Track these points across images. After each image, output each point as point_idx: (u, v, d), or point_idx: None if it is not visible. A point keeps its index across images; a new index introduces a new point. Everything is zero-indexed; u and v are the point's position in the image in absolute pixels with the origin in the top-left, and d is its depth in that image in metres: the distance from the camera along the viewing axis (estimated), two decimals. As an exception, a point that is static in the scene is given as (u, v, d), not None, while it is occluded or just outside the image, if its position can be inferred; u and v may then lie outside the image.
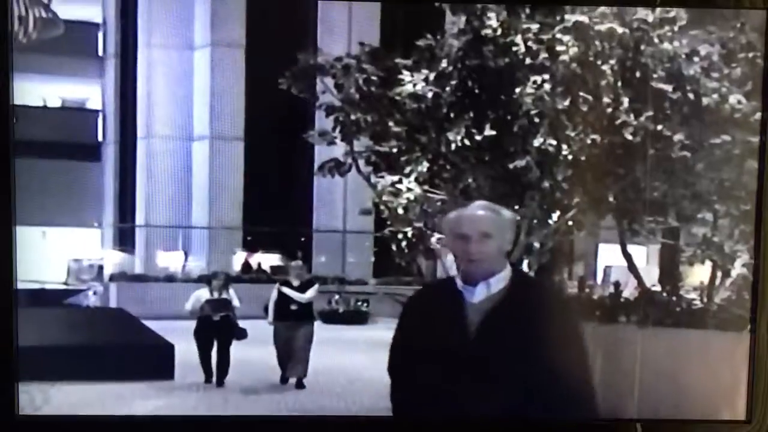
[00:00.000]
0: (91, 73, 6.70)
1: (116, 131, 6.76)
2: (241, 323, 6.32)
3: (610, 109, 5.52)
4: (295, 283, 6.36)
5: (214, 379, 6.17)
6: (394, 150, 5.93)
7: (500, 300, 3.31)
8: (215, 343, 6.24)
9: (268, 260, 6.60)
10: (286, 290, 6.36)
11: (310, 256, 6.68)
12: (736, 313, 5.59)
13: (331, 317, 6.70)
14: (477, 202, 3.42)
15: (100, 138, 6.70)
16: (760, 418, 4.59)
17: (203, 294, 6.29)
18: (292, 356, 6.29)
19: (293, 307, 6.35)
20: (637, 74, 5.55)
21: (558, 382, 3.39)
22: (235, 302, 6.31)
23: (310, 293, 6.34)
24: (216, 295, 6.30)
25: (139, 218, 6.69)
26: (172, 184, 6.77)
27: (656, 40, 5.57)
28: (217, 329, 6.25)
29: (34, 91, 6.55)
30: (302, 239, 6.74)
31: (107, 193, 6.75)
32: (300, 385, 6.14)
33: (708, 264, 5.98)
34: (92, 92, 6.74)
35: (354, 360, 6.19)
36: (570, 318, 3.75)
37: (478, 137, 5.64)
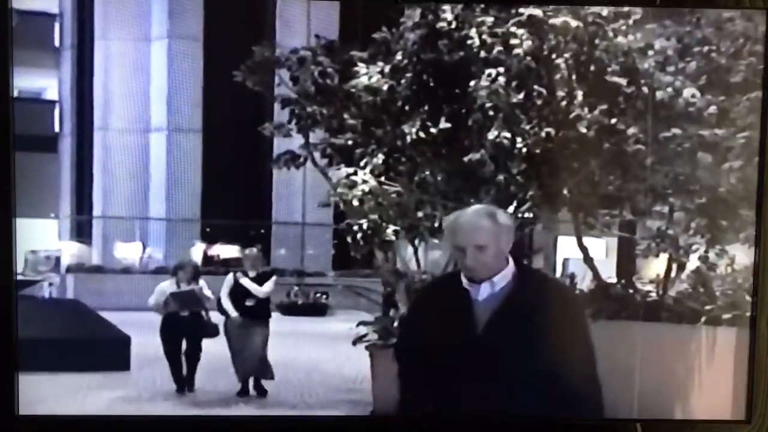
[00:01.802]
0: (48, 64, 6.69)
1: (73, 123, 6.75)
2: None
3: (564, 103, 5.60)
4: (252, 273, 6.34)
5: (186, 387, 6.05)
6: (350, 142, 6.01)
7: (505, 296, 3.61)
8: (184, 343, 6.12)
9: (226, 252, 6.56)
10: (244, 281, 6.32)
11: (269, 249, 6.70)
12: (691, 306, 5.82)
13: (290, 309, 6.74)
14: (472, 209, 3.73)
15: (56, 129, 6.70)
16: (760, 418, 4.96)
17: (168, 287, 6.17)
18: (247, 358, 6.20)
19: (249, 302, 6.30)
20: (592, 68, 5.61)
21: (565, 373, 3.65)
22: (207, 293, 6.24)
23: (268, 286, 6.32)
24: (183, 287, 6.20)
25: (96, 210, 6.69)
26: (130, 176, 6.77)
27: (611, 34, 5.62)
28: (185, 327, 6.15)
29: (-11, 82, 6.69)
30: (261, 231, 6.76)
31: (64, 184, 6.73)
32: (261, 391, 6.07)
33: (663, 257, 6.10)
34: (49, 84, 6.72)
35: (312, 353, 6.30)
36: (574, 309, 4.10)
37: (433, 130, 5.73)
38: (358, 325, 6.03)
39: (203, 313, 6.24)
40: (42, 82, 6.72)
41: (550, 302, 3.77)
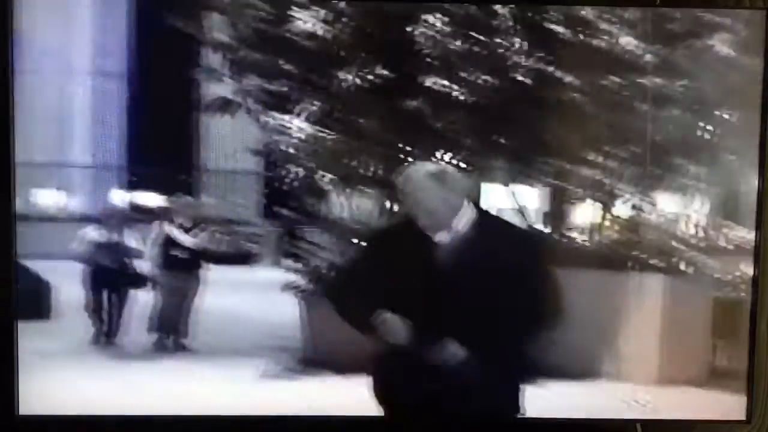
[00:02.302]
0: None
1: None
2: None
3: (501, 50, 5.62)
4: (184, 224, 6.32)
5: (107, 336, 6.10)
6: (285, 89, 5.97)
7: (465, 238, 3.65)
8: (108, 295, 6.13)
9: (154, 200, 6.51)
10: (172, 231, 6.30)
11: (198, 197, 6.67)
12: (622, 253, 6.00)
13: (219, 258, 6.60)
14: (422, 173, 3.70)
15: None
16: (760, 418, 4.81)
17: (92, 235, 6.14)
18: (173, 313, 6.22)
19: (177, 253, 6.29)
20: (530, 15, 5.59)
21: (528, 309, 3.71)
22: (133, 244, 6.17)
23: (198, 236, 6.31)
24: (108, 236, 6.14)
25: (19, 156, 6.62)
26: (53, 121, 6.64)
27: (551, -18, 5.70)
28: (109, 277, 6.11)
29: None
30: (189, 179, 6.73)
31: None
32: (181, 347, 6.14)
33: (596, 205, 6.28)
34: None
35: (242, 300, 6.39)
36: (533, 249, 4.19)
37: (370, 77, 5.70)
38: (288, 272, 6.15)
39: (129, 262, 6.20)
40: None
41: (508, 244, 3.84)
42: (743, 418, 4.75)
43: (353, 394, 5.19)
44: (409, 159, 5.42)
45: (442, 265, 3.69)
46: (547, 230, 6.26)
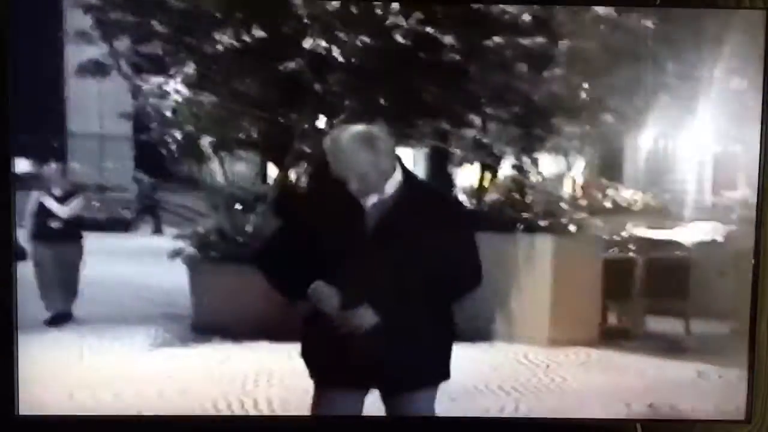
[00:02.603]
0: None
1: None
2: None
3: (380, 12, 5.58)
4: (56, 193, 6.11)
5: None
6: (159, 51, 5.88)
7: (393, 202, 3.76)
8: None
9: (22, 168, 5.99)
10: (46, 201, 6.08)
11: (66, 163, 6.44)
12: (507, 214, 6.09)
13: (94, 226, 6.38)
14: (350, 135, 3.80)
15: None
16: (760, 418, 4.91)
17: None
18: (56, 286, 6.00)
19: (55, 224, 6.10)
20: None
21: (450, 268, 3.81)
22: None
23: (74, 205, 6.11)
24: None
25: None
26: None
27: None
28: None
29: None
30: (56, 144, 6.42)
31: None
32: (65, 318, 5.94)
33: (477, 166, 6.32)
34: None
35: (121, 269, 6.22)
36: (456, 213, 4.42)
37: (247, 39, 5.63)
38: (173, 239, 6.08)
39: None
40: None
41: (434, 207, 3.97)
42: (742, 418, 4.85)
43: (246, 360, 5.53)
44: (289, 122, 5.35)
45: (370, 230, 3.78)
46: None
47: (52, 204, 6.08)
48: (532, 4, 5.65)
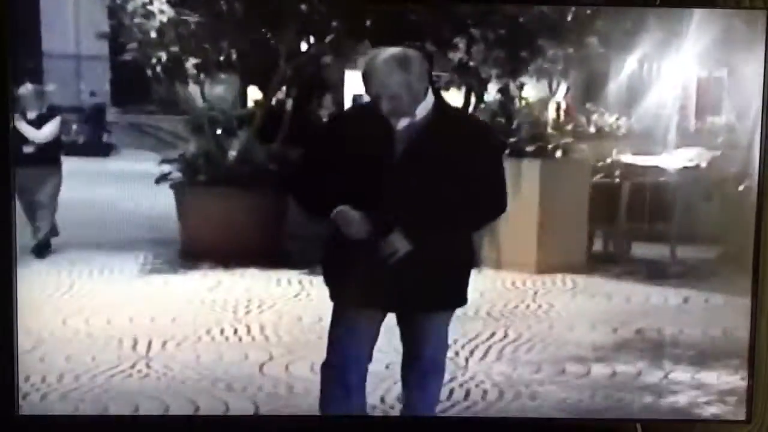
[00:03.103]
0: None
1: None
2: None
3: None
4: (30, 115, 6.03)
5: None
6: None
7: (424, 126, 3.90)
8: None
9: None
10: (18, 124, 5.90)
11: (47, 85, 6.30)
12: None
13: (72, 149, 6.43)
14: (385, 57, 3.95)
15: None
16: (760, 418, 5.00)
17: None
18: (35, 213, 5.98)
19: (28, 149, 5.98)
20: None
21: (479, 194, 4.01)
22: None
23: (49, 128, 6.05)
24: None
25: None
26: None
27: None
28: None
29: None
30: (31, 66, 6.21)
31: None
32: (46, 247, 5.92)
33: (463, 89, 6.20)
34: None
35: (102, 193, 6.14)
36: (488, 142, 4.49)
37: None
38: (161, 163, 6.06)
39: None
40: None
41: (465, 132, 4.17)
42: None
43: (237, 287, 5.59)
44: (274, 44, 5.38)
45: (399, 153, 3.92)
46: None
47: (25, 128, 6.02)
48: (535, 4, 5.80)
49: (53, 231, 5.96)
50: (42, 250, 5.90)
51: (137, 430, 4.84)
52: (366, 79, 3.98)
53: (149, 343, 5.15)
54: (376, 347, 4.33)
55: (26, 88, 6.03)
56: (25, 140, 5.96)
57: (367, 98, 4.51)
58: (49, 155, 6.05)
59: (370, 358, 4.28)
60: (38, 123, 6.05)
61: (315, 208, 4.21)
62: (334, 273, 4.21)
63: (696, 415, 5.04)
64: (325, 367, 4.30)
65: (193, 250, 5.88)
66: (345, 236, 4.02)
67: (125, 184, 6.28)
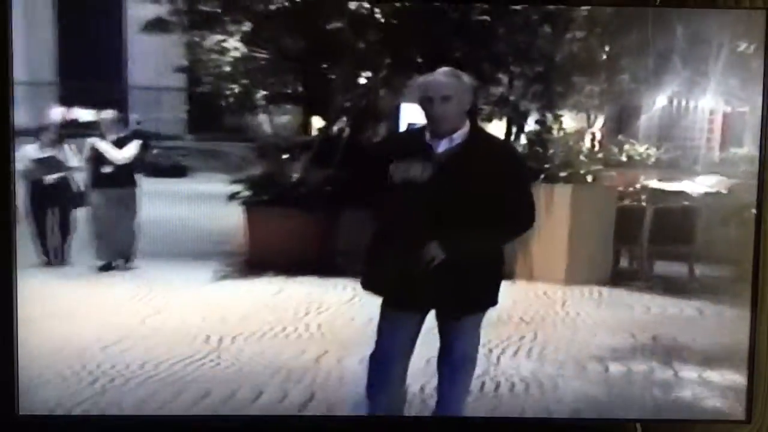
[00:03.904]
0: None
1: None
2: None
3: None
4: (111, 138, 6.36)
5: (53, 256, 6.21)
6: (218, 10, 6.31)
7: (456, 150, 4.18)
8: (53, 213, 6.24)
9: (84, 115, 6.67)
10: (100, 145, 6.33)
11: (127, 112, 6.87)
12: (530, 166, 6.30)
13: (152, 171, 6.82)
14: (440, 69, 4.24)
15: None
16: (760, 418, 4.67)
17: (31, 152, 6.19)
18: (111, 234, 6.32)
19: (107, 169, 6.35)
20: None
21: (508, 210, 4.22)
22: (73, 162, 6.30)
23: (128, 150, 6.39)
24: (47, 152, 6.25)
25: None
26: None
27: None
28: (52, 195, 6.25)
29: None
30: (118, 95, 6.93)
31: None
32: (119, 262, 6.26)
33: (504, 120, 6.72)
34: None
35: (178, 211, 6.47)
36: (516, 165, 4.63)
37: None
38: (231, 183, 6.51)
39: (70, 179, 6.37)
40: None
41: (495, 155, 4.39)
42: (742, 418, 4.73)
43: (297, 292, 6.08)
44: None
45: (438, 172, 4.19)
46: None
47: (107, 148, 6.40)
48: (536, 4, 6.16)
49: (132, 247, 6.35)
50: (107, 267, 6.34)
51: (137, 429, 4.63)
52: (424, 86, 4.20)
53: (220, 339, 5.53)
54: (418, 343, 4.41)
55: (109, 114, 6.54)
56: (104, 161, 6.39)
57: (416, 125, 4.82)
58: (126, 177, 6.44)
59: (411, 352, 4.38)
60: (118, 145, 6.42)
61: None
62: (376, 279, 4.36)
63: (698, 408, 5.14)
64: (373, 357, 4.41)
65: (259, 260, 6.33)
66: (386, 246, 4.28)
67: (199, 202, 6.68)
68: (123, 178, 6.39)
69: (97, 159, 6.42)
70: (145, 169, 6.70)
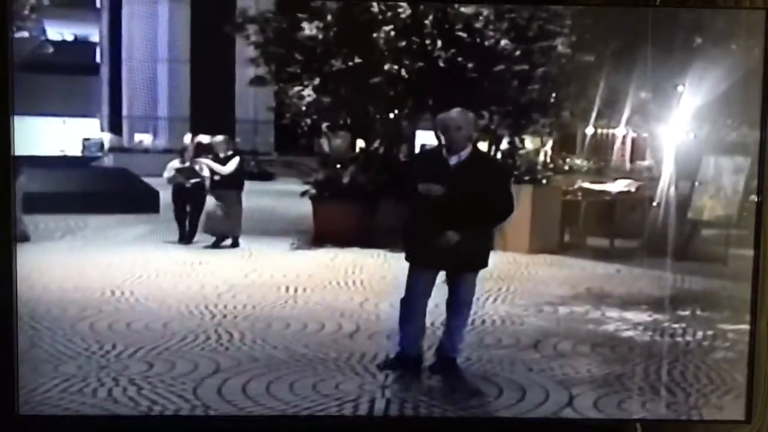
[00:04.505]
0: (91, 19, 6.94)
1: (108, 56, 6.94)
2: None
3: (425, 43, 5.98)
4: (221, 155, 6.13)
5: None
6: (298, 71, 6.25)
7: (463, 164, 4.15)
8: (188, 207, 6.09)
9: (207, 139, 6.36)
10: (207, 162, 6.08)
11: (234, 137, 6.65)
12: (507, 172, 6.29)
13: (250, 176, 6.66)
14: (455, 108, 4.21)
15: (98, 60, 6.91)
16: (760, 418, 3.83)
17: (175, 164, 6.10)
18: (216, 222, 6.12)
19: (217, 177, 6.13)
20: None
21: (496, 203, 4.21)
22: (205, 172, 6.10)
23: (231, 165, 6.13)
24: (187, 164, 6.09)
25: (124, 111, 6.91)
26: (145, 88, 6.94)
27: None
28: (188, 195, 6.07)
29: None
30: (226, 126, 6.78)
31: (104, 96, 6.91)
32: (235, 244, 6.14)
33: (487, 142, 6.41)
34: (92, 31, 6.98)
35: (267, 203, 6.71)
36: (504, 172, 4.95)
37: (350, 63, 6.03)
38: (303, 184, 6.46)
39: (203, 183, 6.16)
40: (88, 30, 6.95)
41: (486, 168, 4.41)
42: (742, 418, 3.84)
43: (347, 258, 5.98)
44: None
45: (452, 178, 4.15)
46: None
47: (212, 164, 6.14)
48: (536, 4, 5.82)
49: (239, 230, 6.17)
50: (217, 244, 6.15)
51: (135, 429, 3.92)
52: (444, 120, 4.18)
53: (296, 289, 5.43)
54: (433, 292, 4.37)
55: (218, 138, 6.27)
56: (214, 172, 6.16)
57: (431, 145, 5.01)
58: (234, 183, 6.23)
59: (429, 295, 4.33)
60: (224, 161, 6.19)
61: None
62: (412, 248, 4.30)
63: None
64: (403, 300, 4.36)
65: (321, 236, 6.27)
66: (416, 228, 4.26)
67: (280, 197, 6.83)
68: (231, 184, 6.22)
69: (212, 171, 6.20)
70: (246, 176, 6.56)
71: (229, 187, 6.19)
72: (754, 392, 3.80)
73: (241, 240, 6.22)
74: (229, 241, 6.20)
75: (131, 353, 4.31)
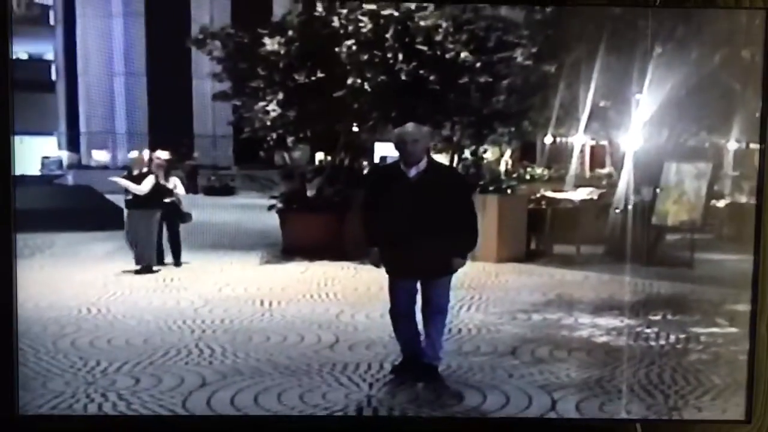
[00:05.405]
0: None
1: (63, 72, 7.01)
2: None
3: (389, 57, 6.09)
4: (134, 172, 5.91)
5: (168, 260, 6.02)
6: (261, 85, 6.39)
7: (423, 173, 4.44)
8: (164, 226, 5.99)
9: (160, 156, 6.23)
10: (120, 181, 5.83)
11: (193, 152, 6.85)
12: (472, 182, 6.40)
13: (210, 191, 6.95)
14: (409, 123, 4.49)
15: (54, 78, 6.96)
16: (760, 418, 3.93)
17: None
18: (141, 244, 5.92)
19: (129, 197, 5.87)
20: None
21: (457, 210, 4.49)
22: (179, 190, 6.06)
23: (147, 184, 5.90)
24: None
25: (81, 127, 6.94)
26: (102, 102, 6.97)
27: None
28: (164, 213, 5.98)
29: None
30: (185, 141, 6.86)
31: (61, 112, 6.99)
32: (147, 270, 5.87)
33: (450, 153, 6.67)
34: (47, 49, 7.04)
35: (229, 218, 6.73)
36: (460, 181, 5.13)
37: (313, 78, 6.15)
38: (270, 198, 6.60)
39: (177, 203, 6.09)
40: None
41: (444, 177, 4.72)
42: (741, 418, 3.94)
43: (317, 271, 6.13)
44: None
45: (411, 189, 4.44)
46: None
47: (126, 183, 5.88)
48: (533, 4, 6.02)
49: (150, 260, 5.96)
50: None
51: (135, 429, 4.06)
52: (400, 134, 4.43)
53: (270, 303, 5.58)
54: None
55: (134, 154, 6.14)
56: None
57: (390, 159, 5.11)
58: (148, 203, 5.99)
59: (414, 302, 4.53)
60: (138, 180, 5.98)
61: (366, 228, 4.64)
62: (386, 258, 4.51)
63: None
64: (390, 311, 4.55)
65: (290, 250, 6.40)
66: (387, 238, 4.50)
67: (245, 211, 6.92)
68: (145, 203, 5.98)
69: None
70: (206, 190, 6.84)
71: (143, 207, 5.95)
72: (754, 392, 3.91)
73: (210, 254, 6.22)
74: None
75: (116, 368, 4.46)
